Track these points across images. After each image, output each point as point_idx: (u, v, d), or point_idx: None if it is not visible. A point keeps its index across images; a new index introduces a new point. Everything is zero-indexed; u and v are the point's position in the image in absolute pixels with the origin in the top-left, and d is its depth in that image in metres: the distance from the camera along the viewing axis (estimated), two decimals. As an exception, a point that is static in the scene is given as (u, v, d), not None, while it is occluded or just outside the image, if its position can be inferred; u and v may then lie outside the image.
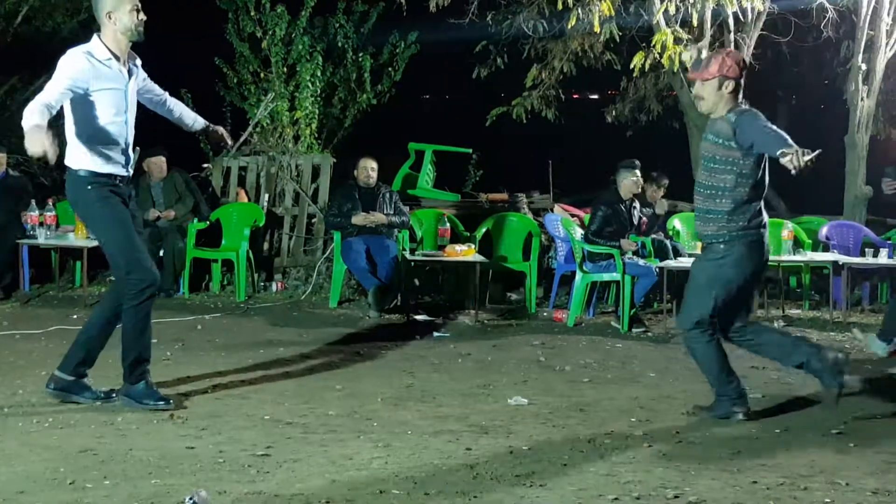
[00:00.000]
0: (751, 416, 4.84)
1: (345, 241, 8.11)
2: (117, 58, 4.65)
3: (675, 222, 8.67)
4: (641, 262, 7.50)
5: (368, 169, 8.29)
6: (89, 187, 4.63)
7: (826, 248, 8.50)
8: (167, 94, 5.15)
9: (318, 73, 9.68)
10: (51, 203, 8.12)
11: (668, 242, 7.83)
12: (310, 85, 9.62)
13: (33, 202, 8.07)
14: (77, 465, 3.88)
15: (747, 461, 4.16)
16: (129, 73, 4.73)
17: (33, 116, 4.30)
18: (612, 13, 8.28)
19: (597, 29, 8.31)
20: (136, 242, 4.71)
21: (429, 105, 19.35)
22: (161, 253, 8.37)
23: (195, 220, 8.49)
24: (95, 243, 7.96)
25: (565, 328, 7.46)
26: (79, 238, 7.95)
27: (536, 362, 6.21)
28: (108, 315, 4.79)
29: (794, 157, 4.38)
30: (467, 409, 4.94)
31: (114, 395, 4.84)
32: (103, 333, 4.82)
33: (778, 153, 4.46)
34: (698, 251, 7.75)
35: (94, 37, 4.68)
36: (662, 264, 7.51)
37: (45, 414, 4.62)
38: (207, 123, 5.19)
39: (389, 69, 10.31)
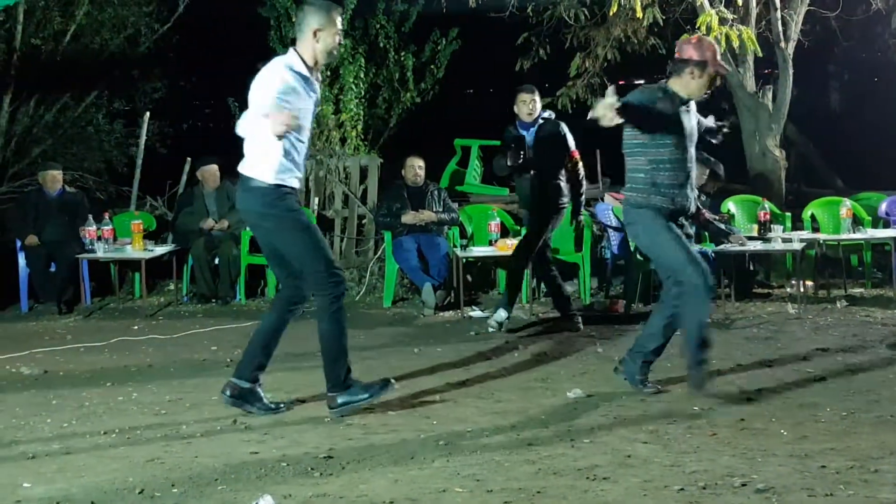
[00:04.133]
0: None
1: (396, 241, 8.14)
2: (312, 72, 4.68)
3: (730, 205, 8.55)
4: (697, 247, 7.40)
5: (416, 167, 8.30)
6: (280, 199, 4.62)
7: (886, 224, 8.33)
8: None
9: (362, 75, 9.72)
10: (107, 217, 8.26)
11: (721, 225, 7.69)
12: (353, 87, 9.66)
13: (90, 217, 8.21)
14: (145, 474, 3.95)
15: (815, 445, 4.09)
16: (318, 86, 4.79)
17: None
18: (655, -3, 8.19)
19: (639, 14, 8.22)
20: (327, 246, 4.80)
21: (473, 100, 19.33)
22: (216, 261, 8.48)
23: (248, 228, 8.57)
24: (152, 255, 8.16)
25: (621, 318, 7.40)
26: (136, 250, 8.07)
27: (594, 353, 6.17)
28: (278, 323, 4.83)
29: None
30: (526, 404, 4.93)
31: (282, 406, 4.87)
32: (275, 340, 4.86)
33: None
34: (754, 233, 7.70)
35: (291, 51, 4.68)
36: (718, 249, 7.41)
37: (112, 425, 4.70)
38: None
39: (432, 67, 10.32)
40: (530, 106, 6.84)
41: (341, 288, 4.72)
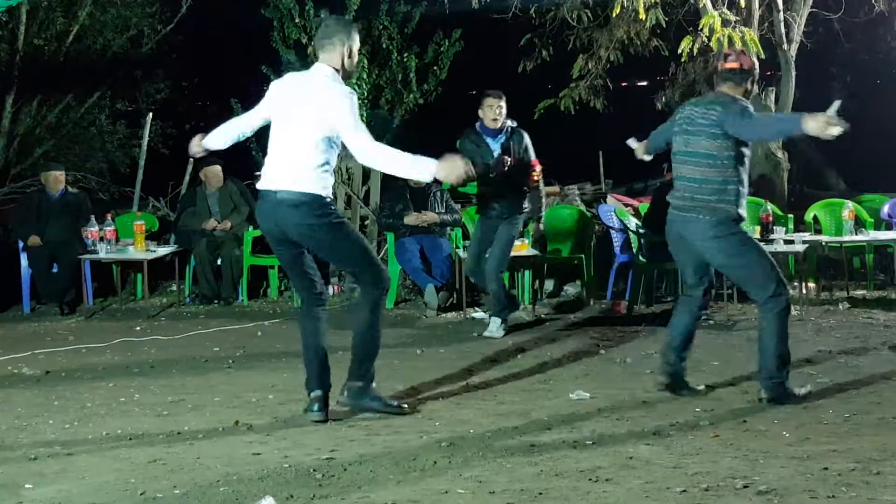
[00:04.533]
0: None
1: (398, 242, 8.14)
2: None
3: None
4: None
5: (418, 169, 8.28)
6: (329, 208, 4.67)
7: (889, 227, 8.31)
8: None
9: (364, 76, 9.72)
10: (110, 218, 8.27)
11: None
12: (356, 88, 9.66)
13: (93, 217, 8.21)
14: (147, 475, 3.95)
15: (817, 447, 4.08)
16: None
17: (406, 157, 4.55)
18: (657, -1, 8.20)
19: (642, 16, 8.23)
20: (370, 244, 4.90)
21: (476, 102, 19.30)
22: (219, 262, 8.49)
23: (251, 228, 8.58)
24: (155, 255, 8.16)
25: (624, 319, 7.40)
26: (138, 251, 8.08)
27: (596, 355, 6.16)
28: (320, 325, 4.88)
29: None
30: (528, 405, 4.93)
31: (404, 405, 4.91)
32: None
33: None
34: (756, 234, 7.69)
35: (325, 66, 4.68)
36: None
37: (114, 426, 4.70)
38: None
39: (434, 68, 10.32)
40: (497, 111, 6.82)
41: (388, 282, 4.87)
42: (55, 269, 8.30)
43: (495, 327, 6.84)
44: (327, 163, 4.64)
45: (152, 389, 5.47)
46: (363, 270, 4.76)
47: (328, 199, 4.66)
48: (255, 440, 4.42)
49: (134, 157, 10.99)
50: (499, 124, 6.82)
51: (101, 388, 5.50)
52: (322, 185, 4.63)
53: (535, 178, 6.95)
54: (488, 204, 6.95)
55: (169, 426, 4.68)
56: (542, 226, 7.26)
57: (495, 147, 6.86)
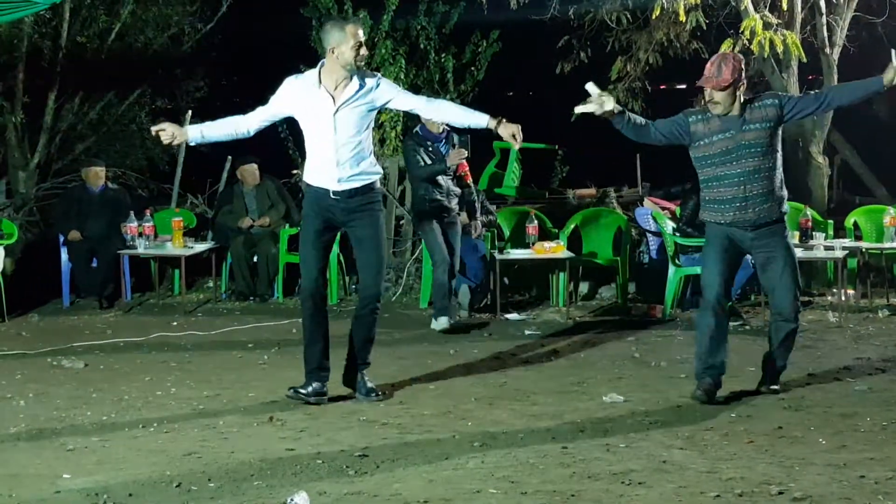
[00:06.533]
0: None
1: (433, 242, 8.12)
2: (327, 87, 4.91)
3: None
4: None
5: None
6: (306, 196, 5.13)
7: (931, 233, 8.17)
8: (431, 100, 5.42)
9: (402, 76, 9.72)
10: (149, 214, 8.35)
11: None
12: (393, 88, 9.66)
13: (132, 213, 8.30)
14: (182, 468, 3.99)
15: (853, 455, 4.04)
16: (342, 99, 4.91)
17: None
18: (699, 1, 8.12)
19: (682, 18, 8.17)
20: (305, 255, 5.09)
21: (513, 103, 19.26)
22: (255, 259, 8.55)
23: (287, 226, 8.63)
24: (192, 252, 8.24)
25: (659, 323, 7.35)
26: (176, 247, 8.16)
27: (631, 358, 6.13)
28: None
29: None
30: (562, 407, 4.91)
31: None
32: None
33: (877, 82, 5.11)
34: (795, 240, 7.61)
35: (320, 63, 4.97)
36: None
37: (151, 419, 4.76)
38: (490, 119, 5.18)
39: (472, 69, 10.31)
40: None
41: (303, 292, 5.24)
42: (94, 264, 8.40)
43: (442, 324, 7.02)
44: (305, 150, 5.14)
45: (188, 384, 5.53)
46: None
47: (305, 187, 5.21)
48: (289, 436, 4.45)
49: (173, 154, 11.08)
50: (442, 129, 6.91)
51: (138, 382, 5.57)
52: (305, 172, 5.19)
53: (467, 173, 7.20)
54: (438, 207, 7.07)
55: (204, 420, 4.73)
56: (491, 217, 7.53)
57: (444, 149, 7.05)
